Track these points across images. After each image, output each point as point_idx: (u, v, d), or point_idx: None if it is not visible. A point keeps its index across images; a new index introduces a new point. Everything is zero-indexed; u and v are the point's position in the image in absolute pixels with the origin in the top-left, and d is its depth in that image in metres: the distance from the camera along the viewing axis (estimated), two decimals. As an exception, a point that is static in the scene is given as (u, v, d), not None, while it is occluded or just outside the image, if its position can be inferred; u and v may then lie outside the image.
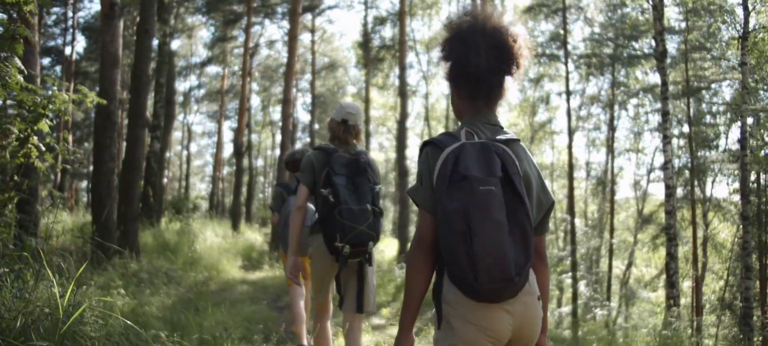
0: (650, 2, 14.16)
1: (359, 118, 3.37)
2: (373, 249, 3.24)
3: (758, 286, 16.38)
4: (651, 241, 19.60)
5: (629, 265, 21.38)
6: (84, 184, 26.76)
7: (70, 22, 21.30)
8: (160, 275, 7.05)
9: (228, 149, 43.12)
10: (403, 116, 13.34)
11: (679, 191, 22.53)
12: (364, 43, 18.75)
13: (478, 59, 1.75)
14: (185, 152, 37.37)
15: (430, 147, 1.75)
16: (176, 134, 37.07)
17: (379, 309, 7.29)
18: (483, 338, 1.63)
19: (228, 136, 40.66)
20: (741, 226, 18.47)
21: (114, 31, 7.15)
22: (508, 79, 1.84)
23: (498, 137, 1.75)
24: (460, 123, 1.90)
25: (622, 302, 17.22)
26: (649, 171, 20.83)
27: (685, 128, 18.99)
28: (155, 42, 11.42)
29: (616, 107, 22.38)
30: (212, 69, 31.99)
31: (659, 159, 23.61)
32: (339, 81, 31.62)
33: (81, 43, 22.53)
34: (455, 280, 1.62)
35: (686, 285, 18.69)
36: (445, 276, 1.67)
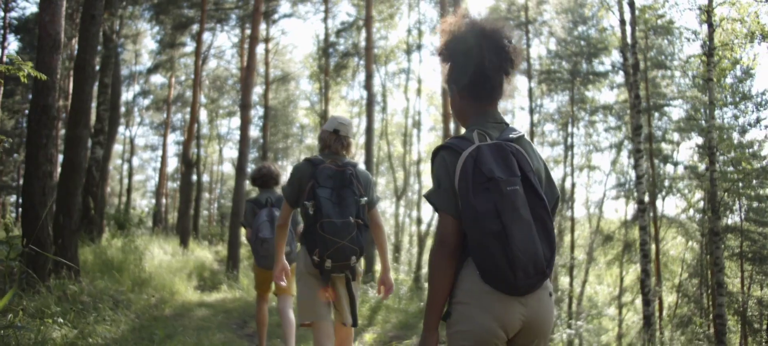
0: (618, 17, 14.08)
1: (350, 131, 3.39)
2: (357, 263, 3.17)
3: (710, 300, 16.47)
4: (614, 259, 19.47)
5: (584, 283, 21.24)
6: (13, 198, 24.54)
7: (0, 23, 19.55)
8: (105, 298, 5.96)
9: (172, 164, 41.26)
10: (370, 124, 12.58)
11: (633, 208, 22.78)
12: (324, 50, 17.93)
13: (481, 59, 1.80)
14: (126, 165, 35.31)
15: (445, 151, 1.78)
16: (117, 147, 35.05)
17: (359, 333, 6.43)
18: (496, 327, 1.68)
19: (172, 150, 38.85)
20: (701, 242, 18.60)
21: (55, 10, 6.07)
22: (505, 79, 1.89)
23: (508, 136, 1.80)
24: (460, 124, 1.96)
25: (585, 320, 16.90)
26: (616, 186, 20.68)
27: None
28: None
29: (570, 125, 22.37)
30: (157, 79, 30.40)
31: (612, 178, 23.76)
32: (291, 94, 30.78)
33: (13, 45, 20.61)
34: (489, 276, 1.66)
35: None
36: (464, 269, 1.73)
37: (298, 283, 3.32)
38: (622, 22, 13.40)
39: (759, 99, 16.00)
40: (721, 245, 12.88)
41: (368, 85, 12.90)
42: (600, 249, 21.48)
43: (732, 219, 18.58)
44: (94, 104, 12.94)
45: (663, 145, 19.31)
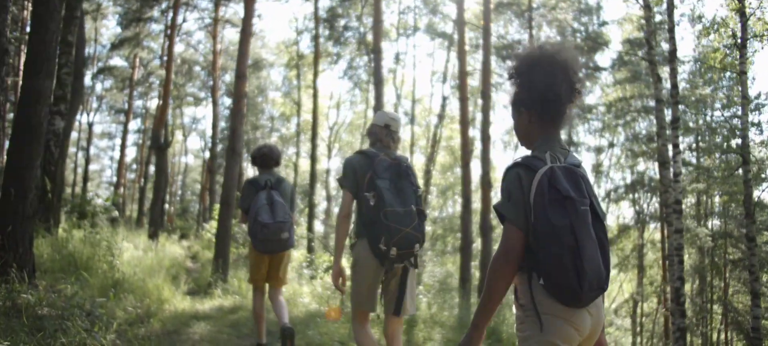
0: (640, 2, 12.88)
1: (399, 126, 3.50)
2: (420, 251, 3.22)
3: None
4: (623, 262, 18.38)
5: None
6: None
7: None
8: (74, 309, 4.18)
9: (130, 153, 38.57)
10: (380, 106, 10.97)
11: (630, 211, 21.77)
12: (316, 23, 16.19)
13: (559, 88, 1.91)
14: (80, 153, 32.58)
15: (520, 168, 1.87)
16: (72, 135, 32.24)
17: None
18: (576, 335, 1.81)
19: (132, 139, 36.23)
20: (703, 247, 17.66)
21: None
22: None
23: (575, 162, 1.95)
24: (523, 145, 2.06)
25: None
26: (613, 189, 19.57)
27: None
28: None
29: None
30: (118, 61, 27.88)
31: (615, 177, 22.77)
32: (262, 83, 28.94)
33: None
34: (556, 287, 1.76)
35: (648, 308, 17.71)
36: (533, 282, 1.81)
37: (354, 275, 3.29)
38: (647, 6, 12.23)
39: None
40: (756, 249, 11.81)
41: (376, 62, 11.28)
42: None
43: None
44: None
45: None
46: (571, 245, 1.72)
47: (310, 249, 12.49)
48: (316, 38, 16.82)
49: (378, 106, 10.95)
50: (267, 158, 4.59)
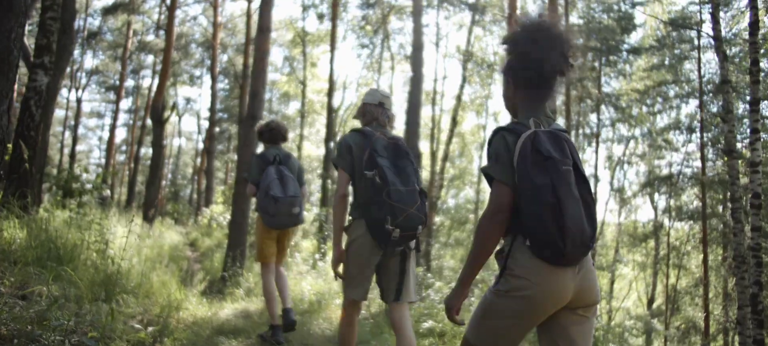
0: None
1: (392, 104, 3.42)
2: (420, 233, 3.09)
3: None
4: (657, 263, 16.99)
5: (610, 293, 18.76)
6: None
7: None
8: (52, 324, 2.62)
9: (120, 134, 36.78)
10: (418, 78, 9.44)
11: (662, 203, 20.35)
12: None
13: (550, 62, 1.96)
14: (67, 133, 30.67)
15: (505, 132, 1.94)
16: (58, 113, 30.30)
17: None
18: (547, 300, 1.82)
19: (122, 119, 34.39)
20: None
21: None
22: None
23: (559, 127, 2.00)
24: (509, 113, 2.13)
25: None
26: (647, 183, 18.15)
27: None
28: None
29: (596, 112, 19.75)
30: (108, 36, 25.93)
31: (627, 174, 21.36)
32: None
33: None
34: (539, 245, 1.80)
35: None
36: (517, 243, 1.87)
37: (348, 259, 3.10)
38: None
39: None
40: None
41: (416, 26, 9.75)
42: (626, 252, 19.07)
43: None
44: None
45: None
46: (552, 202, 1.77)
47: (323, 238, 11.02)
48: (334, 5, 15.16)
49: (416, 75, 9.43)
50: (276, 133, 4.60)
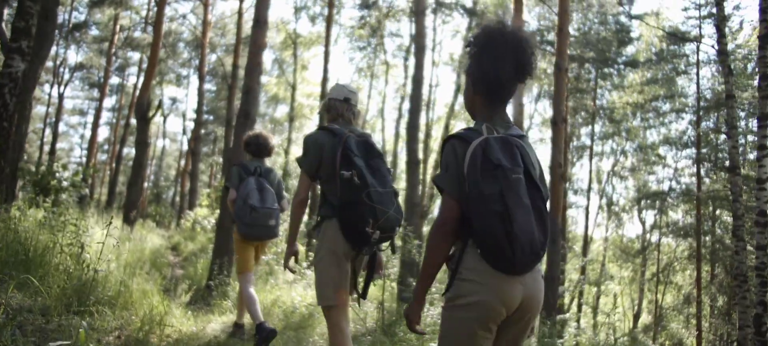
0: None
1: (358, 100, 3.30)
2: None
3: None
4: (650, 279, 16.73)
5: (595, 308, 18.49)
6: None
7: None
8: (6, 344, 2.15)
9: (102, 133, 35.94)
10: (419, 79, 9.06)
11: (650, 218, 20.12)
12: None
13: (504, 72, 1.97)
14: (47, 130, 29.76)
15: (455, 140, 1.93)
16: (39, 109, 29.45)
17: None
18: (499, 303, 1.82)
19: (105, 117, 33.57)
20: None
21: None
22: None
23: (514, 133, 1.99)
24: (469, 115, 2.13)
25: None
26: (641, 198, 17.91)
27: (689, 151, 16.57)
28: None
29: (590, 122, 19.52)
30: (96, 30, 25.27)
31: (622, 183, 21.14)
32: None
33: None
34: (489, 253, 1.80)
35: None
36: (468, 249, 1.86)
37: (320, 262, 2.95)
38: (717, -12, 10.55)
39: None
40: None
41: (418, 25, 9.37)
42: (614, 267, 18.80)
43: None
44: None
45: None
46: (501, 211, 1.77)
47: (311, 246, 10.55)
48: (330, 5, 14.76)
49: (418, 76, 9.05)
50: (263, 147, 4.64)
